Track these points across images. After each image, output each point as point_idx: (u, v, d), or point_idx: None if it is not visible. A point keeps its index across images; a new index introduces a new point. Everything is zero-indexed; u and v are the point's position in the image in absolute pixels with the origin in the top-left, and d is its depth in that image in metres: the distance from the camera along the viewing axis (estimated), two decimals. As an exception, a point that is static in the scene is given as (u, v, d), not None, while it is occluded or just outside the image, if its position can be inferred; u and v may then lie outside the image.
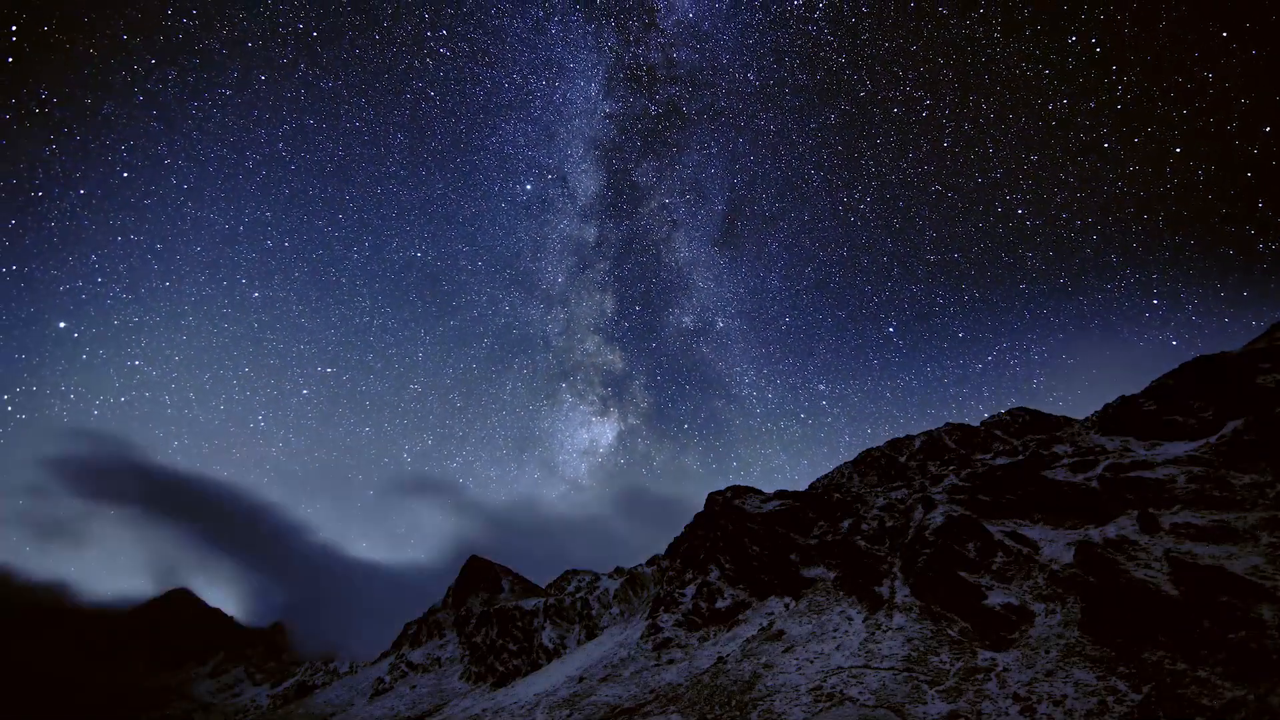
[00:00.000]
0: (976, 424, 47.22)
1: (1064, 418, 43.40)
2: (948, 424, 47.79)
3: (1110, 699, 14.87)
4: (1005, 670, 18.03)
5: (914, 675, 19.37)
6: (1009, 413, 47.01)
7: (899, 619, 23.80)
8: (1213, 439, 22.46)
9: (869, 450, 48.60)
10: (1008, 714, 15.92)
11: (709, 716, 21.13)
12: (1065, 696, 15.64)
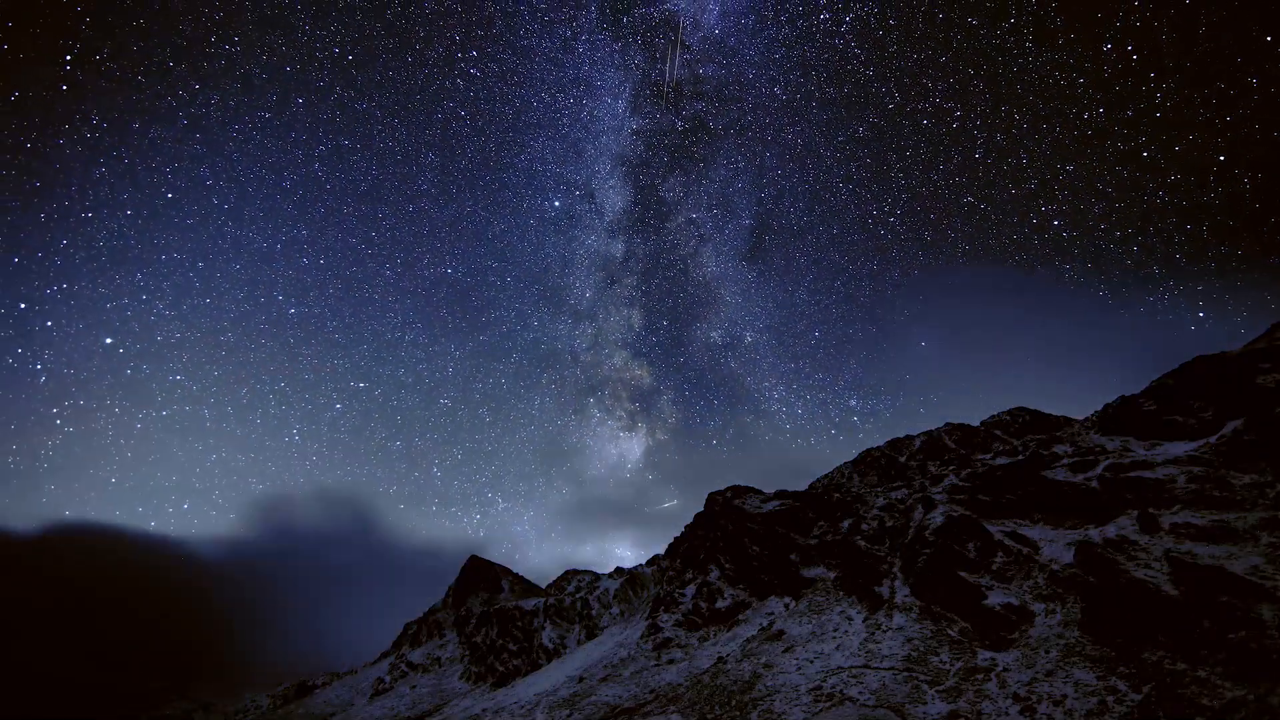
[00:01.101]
0: (976, 424, 47.21)
1: (1064, 418, 43.39)
2: (948, 424, 47.80)
3: (1110, 699, 14.87)
4: (1005, 670, 18.03)
5: (914, 675, 19.37)
6: (1009, 413, 47.01)
7: (899, 619, 23.80)
8: (1213, 439, 22.46)
9: (869, 450, 48.60)
10: (1008, 714, 15.92)
11: (709, 716, 21.14)
12: (1065, 696, 15.64)
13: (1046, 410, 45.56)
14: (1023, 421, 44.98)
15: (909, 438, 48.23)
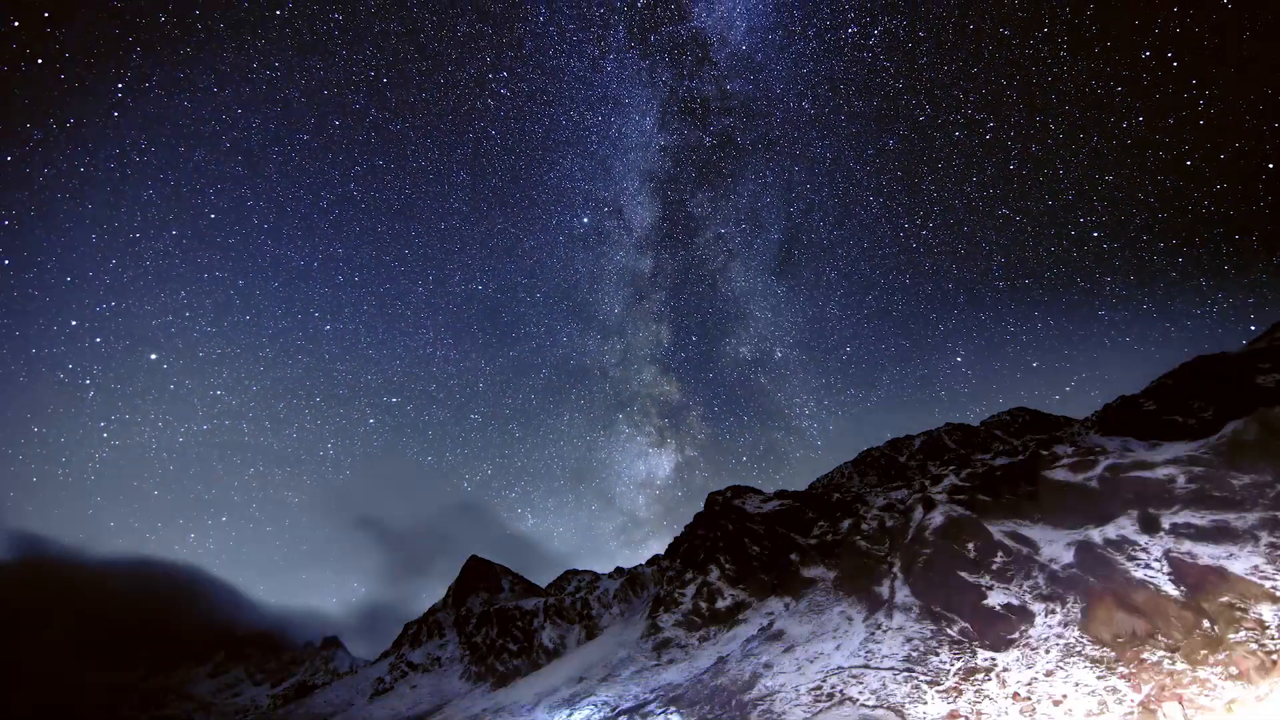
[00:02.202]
0: (976, 424, 47.20)
1: (1064, 418, 43.39)
2: (948, 424, 47.80)
3: (1110, 699, 14.88)
4: (1005, 670, 18.03)
5: (914, 675, 19.37)
6: (1009, 413, 47.02)
7: (899, 619, 23.79)
8: (1213, 439, 22.45)
9: (869, 450, 48.61)
10: (1008, 714, 15.93)
11: (709, 716, 21.13)
12: (1065, 696, 15.64)
13: (1041, 410, 45.58)
14: (1023, 421, 44.99)
15: (909, 438, 48.25)
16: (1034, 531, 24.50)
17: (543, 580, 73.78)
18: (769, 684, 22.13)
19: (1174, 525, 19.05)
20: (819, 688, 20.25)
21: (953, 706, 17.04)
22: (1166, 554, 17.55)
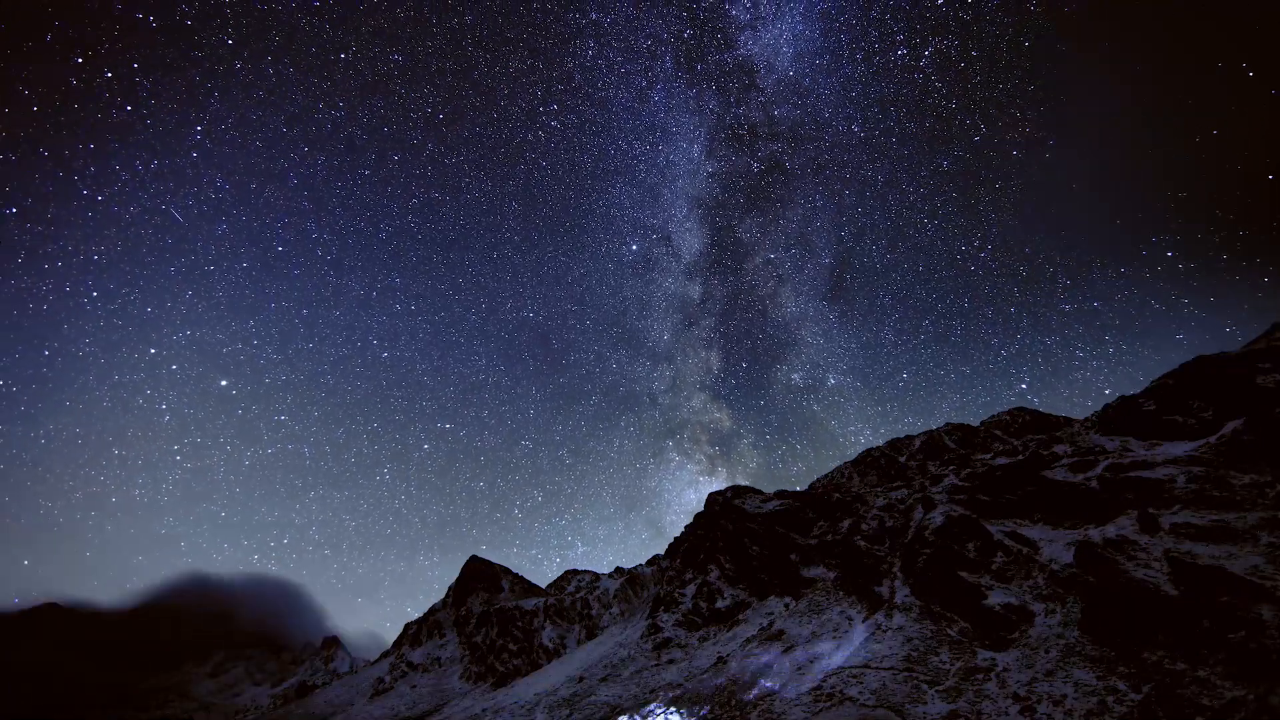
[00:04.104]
0: (976, 424, 47.20)
1: (1064, 418, 43.41)
2: (948, 424, 47.81)
3: (1110, 699, 14.87)
4: (1005, 670, 18.02)
5: (914, 675, 19.37)
6: (1009, 413, 47.02)
7: (899, 619, 23.79)
8: (1213, 439, 22.45)
9: (869, 450, 48.59)
10: (1008, 714, 15.92)
11: (709, 716, 21.13)
12: (1065, 696, 15.64)
13: (1041, 410, 45.54)
14: (1023, 422, 44.99)
15: (909, 438, 48.23)
16: (1034, 531, 24.50)
17: (543, 580, 73.78)
18: (769, 684, 22.13)
19: (1174, 525, 19.05)
20: (819, 688, 20.24)
21: (953, 706, 17.04)
22: (1166, 554, 17.55)
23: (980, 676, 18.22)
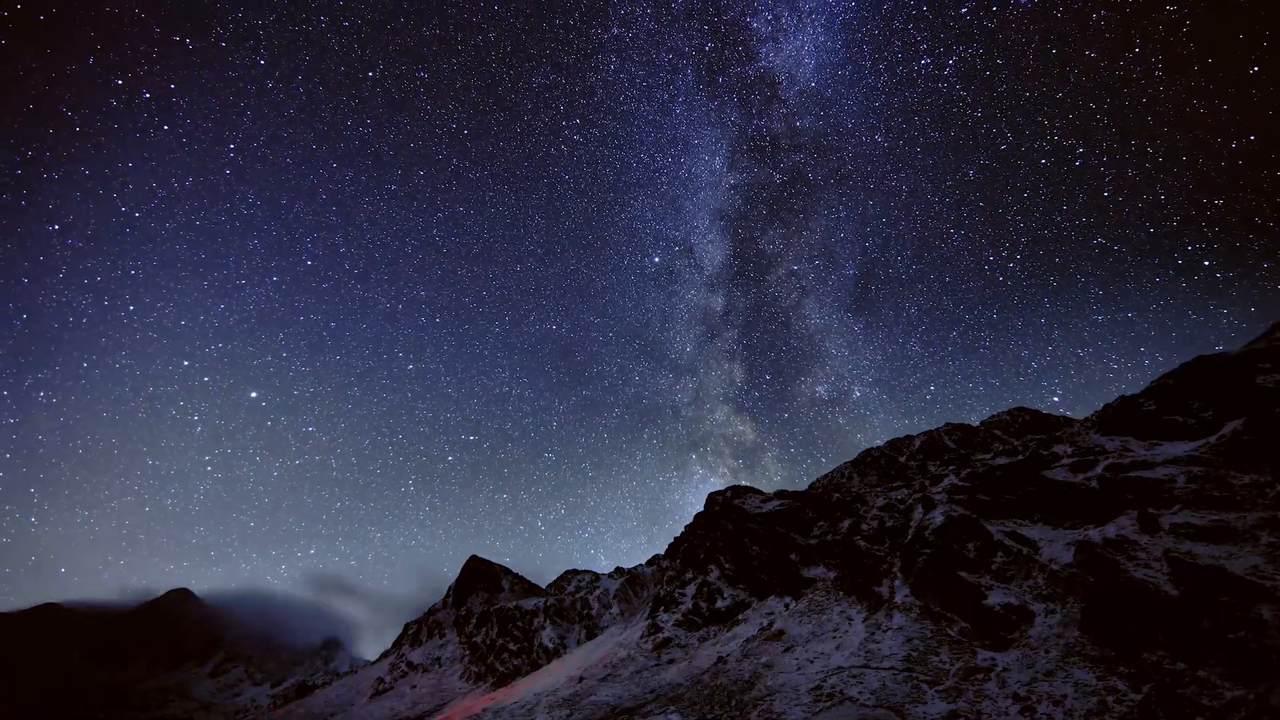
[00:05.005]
0: (976, 424, 47.21)
1: (1064, 418, 43.41)
2: (948, 424, 47.82)
3: (1110, 699, 14.87)
4: (1005, 670, 18.02)
5: (914, 675, 19.37)
6: (1009, 413, 47.03)
7: (899, 619, 23.80)
8: (1213, 439, 22.45)
9: (869, 450, 48.60)
10: (1008, 714, 15.92)
11: (709, 716, 21.13)
12: (1065, 696, 15.64)
13: (1041, 410, 45.55)
14: (1022, 422, 45.00)
15: (909, 438, 48.24)
16: (1034, 531, 24.50)
17: (543, 580, 73.80)
18: (769, 684, 22.13)
19: (1174, 525, 19.05)
20: (819, 688, 20.24)
21: (953, 706, 17.04)
22: (1166, 554, 17.55)
23: (980, 676, 18.22)
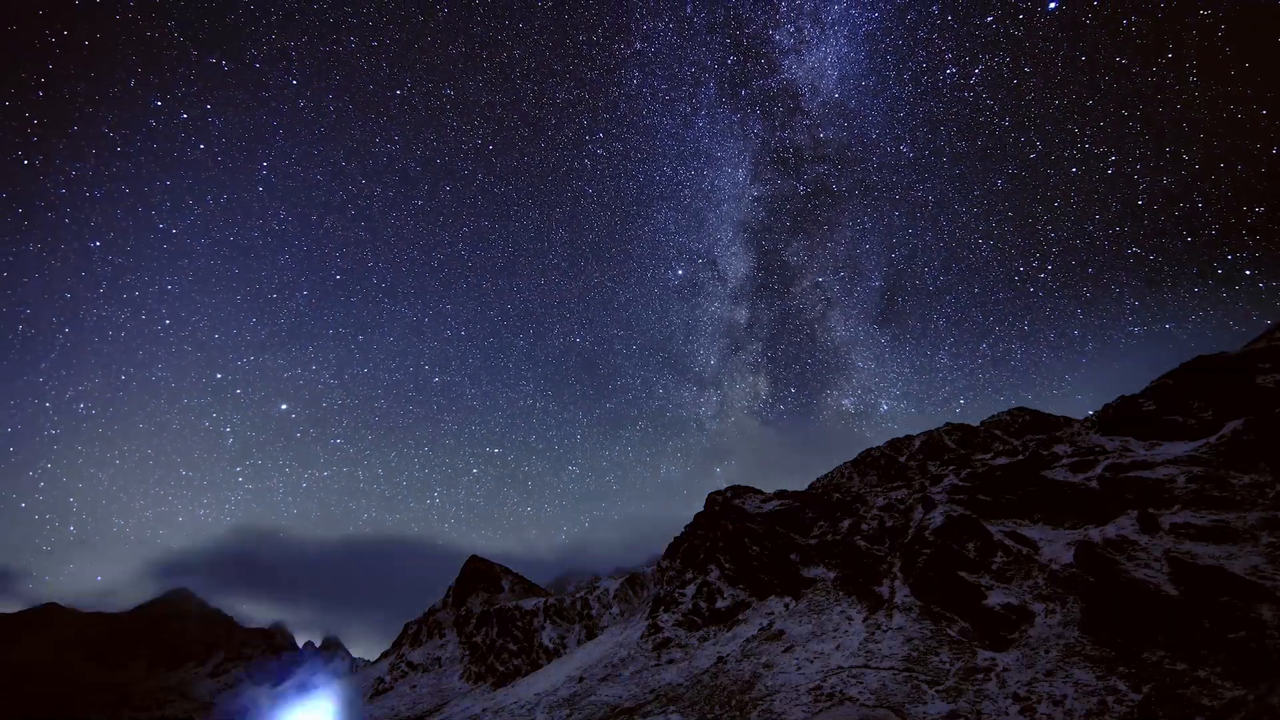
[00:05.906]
0: (976, 424, 47.19)
1: (1064, 418, 43.39)
2: (948, 424, 47.79)
3: (1110, 699, 14.87)
4: (1005, 670, 18.02)
5: (914, 675, 19.37)
6: (1009, 413, 47.01)
7: (899, 619, 23.79)
8: (1213, 439, 22.45)
9: (869, 450, 48.56)
10: (1008, 714, 15.92)
11: (709, 716, 21.12)
12: (1065, 696, 15.63)
13: (1041, 410, 45.52)
14: (1022, 422, 44.97)
15: (909, 438, 48.20)
16: (1034, 531, 24.50)
17: (543, 580, 73.75)
18: (769, 684, 22.13)
19: (1174, 525, 19.05)
20: (819, 688, 20.24)
21: (953, 706, 17.04)
22: (1166, 554, 17.55)
23: (980, 676, 18.22)
